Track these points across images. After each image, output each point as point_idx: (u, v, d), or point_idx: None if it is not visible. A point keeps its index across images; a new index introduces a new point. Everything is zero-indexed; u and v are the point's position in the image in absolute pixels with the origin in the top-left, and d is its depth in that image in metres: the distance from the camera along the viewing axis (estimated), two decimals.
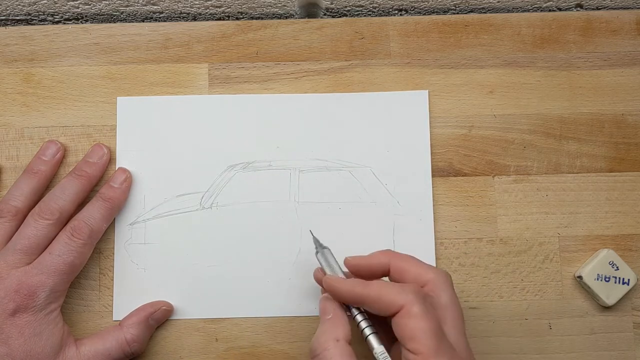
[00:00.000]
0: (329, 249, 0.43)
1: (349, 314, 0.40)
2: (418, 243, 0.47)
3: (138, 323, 0.45)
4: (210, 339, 0.47)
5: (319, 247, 0.43)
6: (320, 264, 0.43)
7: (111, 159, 0.48)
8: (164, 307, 0.46)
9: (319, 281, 0.43)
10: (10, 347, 0.40)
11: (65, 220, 0.44)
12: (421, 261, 0.40)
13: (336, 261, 0.43)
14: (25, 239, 0.43)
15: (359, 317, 0.40)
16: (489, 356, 0.47)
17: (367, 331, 0.39)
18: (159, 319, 0.46)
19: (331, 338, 0.38)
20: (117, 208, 0.46)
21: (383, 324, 0.40)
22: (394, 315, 0.37)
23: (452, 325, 0.38)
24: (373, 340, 0.39)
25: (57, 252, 0.42)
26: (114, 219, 0.47)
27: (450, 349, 0.36)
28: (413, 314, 0.36)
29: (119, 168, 0.48)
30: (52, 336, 0.42)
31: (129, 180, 0.47)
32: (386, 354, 0.38)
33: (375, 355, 0.38)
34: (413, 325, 0.36)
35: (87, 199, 0.46)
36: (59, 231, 0.44)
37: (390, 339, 0.40)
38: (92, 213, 0.45)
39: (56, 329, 0.42)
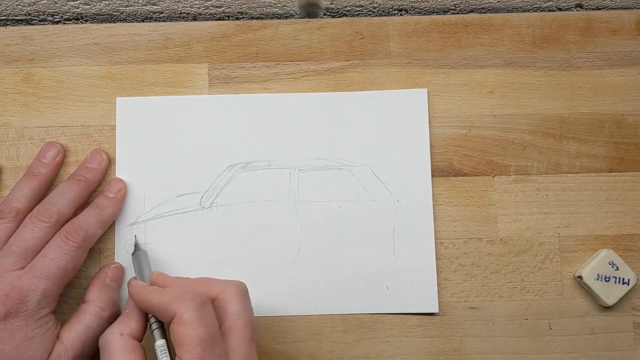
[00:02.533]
0: (146, 252, 0.45)
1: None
2: (418, 242, 0.47)
3: (99, 289, 0.45)
4: None
5: (136, 249, 0.46)
6: (133, 266, 0.45)
7: (111, 160, 0.48)
8: (112, 266, 0.46)
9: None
10: (1, 352, 0.40)
11: (62, 224, 0.44)
12: (214, 279, 0.42)
13: (149, 265, 0.45)
14: (22, 241, 0.42)
15: (152, 318, 0.41)
16: (489, 356, 0.47)
17: (154, 326, 0.41)
18: (115, 278, 0.46)
19: (116, 332, 0.40)
20: (112, 216, 0.46)
21: None
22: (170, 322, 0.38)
23: (240, 334, 0.39)
24: (156, 334, 0.41)
25: (50, 256, 0.42)
26: (112, 222, 0.47)
27: (220, 357, 0.37)
28: (183, 321, 0.37)
29: (114, 178, 0.48)
30: (44, 341, 0.41)
31: (123, 190, 0.47)
32: (165, 347, 0.40)
33: (155, 349, 0.40)
34: (182, 332, 0.37)
35: (85, 205, 0.46)
36: None
37: None
38: (88, 218, 0.45)
39: (48, 334, 0.42)
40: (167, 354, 0.40)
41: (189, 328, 0.37)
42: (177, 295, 0.39)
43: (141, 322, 0.41)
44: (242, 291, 0.41)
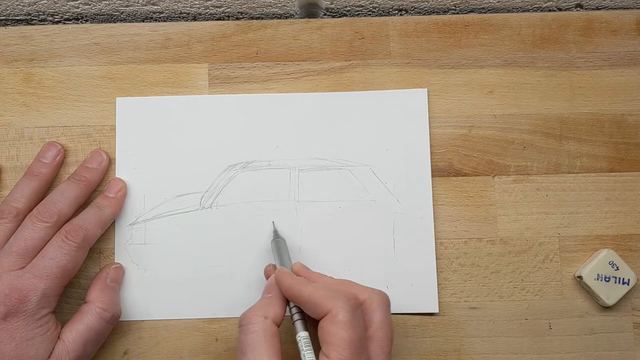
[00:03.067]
0: (284, 240, 0.45)
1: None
2: (418, 242, 0.47)
3: (100, 290, 0.45)
4: (210, 339, 0.47)
5: (276, 236, 0.45)
6: (272, 252, 0.45)
7: (111, 160, 0.48)
8: (113, 267, 0.46)
9: (267, 274, 0.45)
10: (2, 352, 0.40)
11: (62, 224, 0.44)
12: (357, 284, 0.41)
13: (288, 253, 0.44)
14: (22, 241, 0.42)
15: (294, 309, 0.41)
16: (489, 356, 0.47)
17: (296, 317, 0.40)
18: (115, 279, 0.46)
19: (260, 314, 0.39)
20: (112, 215, 0.46)
21: None
22: (321, 318, 0.38)
23: (380, 345, 0.39)
24: (299, 325, 0.40)
25: (50, 256, 0.42)
26: (112, 222, 0.47)
27: None
28: (336, 321, 0.37)
29: (114, 178, 0.48)
30: (44, 341, 0.41)
31: (123, 190, 0.47)
32: (308, 339, 0.39)
33: (297, 340, 0.39)
34: (334, 331, 0.37)
35: (85, 205, 0.46)
36: None
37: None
38: (88, 218, 0.45)
39: (48, 334, 0.41)
40: (311, 347, 0.39)
41: (342, 328, 0.37)
42: (332, 293, 0.39)
43: (283, 309, 0.41)
44: (387, 302, 0.41)
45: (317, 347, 0.39)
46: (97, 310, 0.43)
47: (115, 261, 0.47)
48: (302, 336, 0.39)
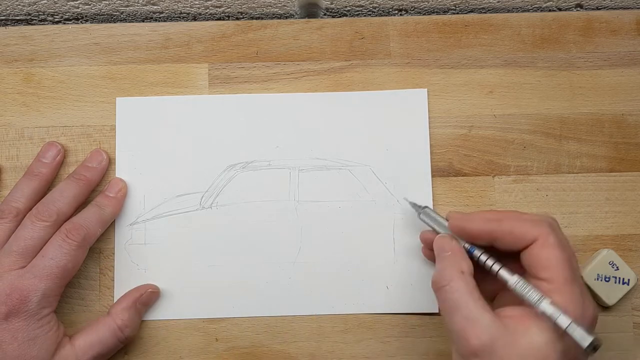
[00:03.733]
0: (429, 207, 0.45)
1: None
2: (418, 242, 0.47)
3: (127, 308, 0.45)
4: (210, 339, 0.47)
5: (419, 208, 0.45)
6: (426, 222, 0.44)
7: (111, 160, 0.48)
8: (150, 290, 0.46)
9: (427, 240, 0.44)
10: (4, 352, 0.40)
11: (61, 223, 0.44)
12: (524, 216, 0.40)
13: (440, 216, 0.44)
14: (22, 241, 0.42)
15: (483, 257, 0.40)
16: None
17: (496, 266, 0.40)
18: (146, 303, 0.46)
19: (456, 271, 0.39)
20: (112, 215, 0.46)
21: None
22: (525, 248, 0.38)
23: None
24: (505, 273, 0.39)
25: (50, 255, 0.42)
26: (112, 222, 0.47)
27: (581, 281, 0.38)
28: (548, 244, 0.38)
29: (114, 178, 0.48)
30: (46, 340, 0.41)
31: (124, 190, 0.47)
32: (524, 280, 0.38)
33: (512, 286, 0.38)
34: (548, 254, 0.37)
35: (84, 205, 0.46)
36: None
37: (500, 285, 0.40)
38: (88, 217, 0.44)
39: (50, 333, 0.42)
40: (531, 286, 0.38)
41: (557, 250, 0.37)
42: (531, 220, 0.39)
43: (469, 260, 0.40)
44: (557, 224, 0.40)
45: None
46: (114, 327, 0.44)
47: (151, 283, 0.47)
48: (516, 280, 0.38)
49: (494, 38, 0.50)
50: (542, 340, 0.36)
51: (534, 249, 0.38)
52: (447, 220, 0.42)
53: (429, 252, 0.45)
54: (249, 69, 0.50)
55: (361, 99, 0.49)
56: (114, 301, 0.46)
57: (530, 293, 0.37)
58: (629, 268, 0.47)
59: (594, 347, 0.35)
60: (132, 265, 0.47)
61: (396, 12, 0.53)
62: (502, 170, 0.49)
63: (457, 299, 0.38)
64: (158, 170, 0.48)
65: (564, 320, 0.36)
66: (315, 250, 0.47)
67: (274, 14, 0.52)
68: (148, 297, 0.46)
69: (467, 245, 0.41)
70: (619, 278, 0.47)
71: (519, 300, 0.38)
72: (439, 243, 0.41)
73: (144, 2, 0.51)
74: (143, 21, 0.52)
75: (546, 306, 0.36)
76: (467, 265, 0.39)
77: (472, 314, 0.37)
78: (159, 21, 0.52)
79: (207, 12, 0.52)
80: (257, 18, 0.53)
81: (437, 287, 0.39)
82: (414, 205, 0.46)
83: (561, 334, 0.36)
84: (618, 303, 0.47)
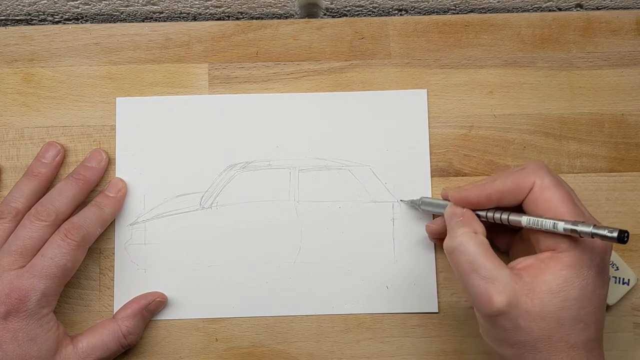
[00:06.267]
0: (424, 196, 0.46)
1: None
2: (418, 242, 0.47)
3: (133, 315, 0.45)
4: (210, 339, 0.47)
5: (417, 202, 0.46)
6: (429, 210, 0.46)
7: (111, 160, 0.48)
8: (157, 299, 0.46)
9: (433, 231, 0.46)
10: (5, 352, 0.40)
11: (60, 223, 0.44)
12: (514, 168, 0.41)
13: (438, 200, 0.45)
14: (20, 241, 0.42)
15: (490, 213, 0.41)
16: (489, 356, 0.47)
17: (505, 214, 0.40)
18: (153, 311, 0.46)
19: (470, 231, 0.39)
20: (111, 215, 0.46)
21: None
22: (525, 198, 0.39)
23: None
24: (515, 216, 0.40)
25: (49, 255, 0.42)
26: (112, 221, 0.47)
27: (588, 214, 0.39)
28: (545, 186, 0.38)
29: (114, 178, 0.48)
30: (47, 340, 0.41)
31: (123, 190, 0.47)
32: (535, 217, 0.38)
33: (526, 224, 0.39)
34: (548, 195, 0.38)
35: (84, 205, 0.46)
36: None
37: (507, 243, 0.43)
38: (87, 216, 0.44)
39: (50, 333, 0.42)
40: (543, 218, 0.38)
41: (556, 188, 0.38)
42: (524, 168, 0.40)
43: (480, 223, 0.40)
44: (546, 166, 0.40)
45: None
46: (119, 333, 0.44)
47: (157, 291, 0.47)
48: (527, 218, 0.39)
49: (494, 38, 0.50)
50: (559, 283, 0.37)
51: (533, 195, 0.39)
52: (446, 200, 0.43)
53: (439, 240, 0.45)
54: (249, 69, 0.50)
55: (361, 99, 0.49)
56: (114, 301, 0.46)
57: (544, 222, 0.38)
58: (629, 268, 0.47)
59: (624, 235, 0.35)
60: (132, 265, 0.47)
61: (396, 12, 0.53)
62: (502, 170, 0.49)
63: (473, 260, 0.38)
64: (158, 170, 0.48)
65: (586, 227, 0.36)
66: (315, 250, 0.47)
67: (274, 14, 0.52)
68: (155, 306, 0.46)
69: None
70: (619, 278, 0.47)
71: (528, 251, 0.39)
72: (449, 211, 0.42)
73: (144, 2, 0.51)
74: (143, 21, 0.52)
75: (564, 224, 0.37)
76: (480, 227, 0.40)
77: (491, 272, 0.37)
78: (159, 21, 0.52)
79: (207, 12, 0.52)
80: (257, 18, 0.53)
81: (452, 250, 0.39)
82: (411, 202, 0.47)
83: (587, 248, 0.37)
84: (618, 303, 0.47)
